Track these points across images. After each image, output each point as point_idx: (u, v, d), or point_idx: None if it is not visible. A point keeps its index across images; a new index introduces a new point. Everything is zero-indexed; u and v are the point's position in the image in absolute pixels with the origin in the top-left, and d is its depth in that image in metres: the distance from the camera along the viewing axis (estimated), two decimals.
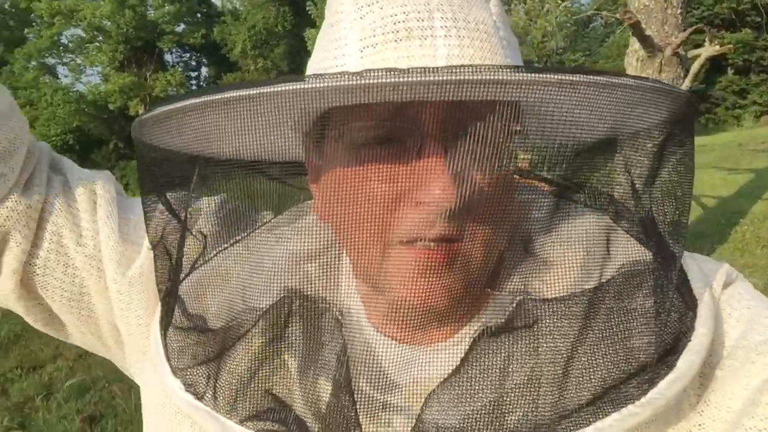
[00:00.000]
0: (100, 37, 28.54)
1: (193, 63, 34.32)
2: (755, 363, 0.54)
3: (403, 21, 0.52)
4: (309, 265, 0.63)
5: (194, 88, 32.82)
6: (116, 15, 26.70)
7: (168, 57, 32.33)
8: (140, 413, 0.75)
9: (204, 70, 34.43)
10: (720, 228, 7.15)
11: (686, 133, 0.54)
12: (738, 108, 25.80)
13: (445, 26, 0.52)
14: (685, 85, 4.55)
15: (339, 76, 0.42)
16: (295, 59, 28.73)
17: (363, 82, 0.42)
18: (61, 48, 29.45)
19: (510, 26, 0.59)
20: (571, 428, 0.50)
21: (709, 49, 4.44)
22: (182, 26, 30.68)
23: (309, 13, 15.94)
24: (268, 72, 29.25)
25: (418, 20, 0.52)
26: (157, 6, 28.77)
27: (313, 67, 0.60)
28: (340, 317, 0.59)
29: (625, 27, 4.61)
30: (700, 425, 0.54)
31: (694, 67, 4.49)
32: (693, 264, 0.61)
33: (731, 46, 5.00)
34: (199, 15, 31.71)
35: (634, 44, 4.84)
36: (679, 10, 4.66)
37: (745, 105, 25.67)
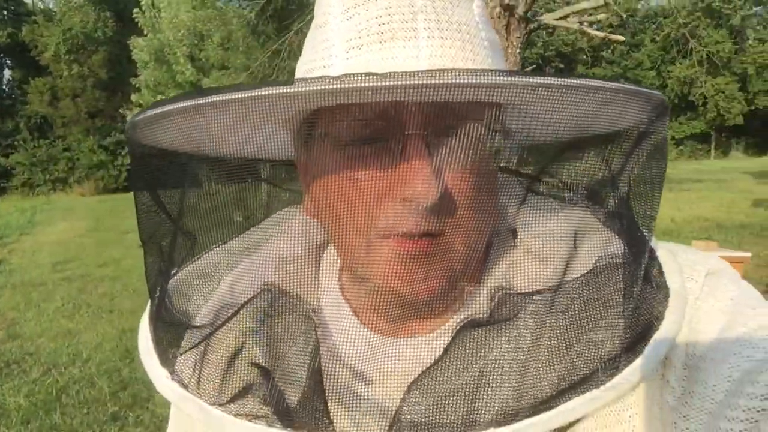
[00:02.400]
0: None
1: None
2: (737, 354, 0.53)
3: (388, 23, 0.54)
4: (290, 264, 0.67)
5: None
6: None
7: None
8: None
9: (7, 72, 31.11)
10: None
11: (660, 131, 0.55)
12: None
13: (428, 27, 0.54)
14: None
15: (321, 80, 0.44)
16: (115, 67, 27.16)
17: (343, 86, 0.44)
18: None
19: None
20: (538, 411, 0.52)
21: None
22: None
23: (135, 20, 15.05)
24: (84, 79, 27.14)
25: (402, 22, 0.54)
26: None
27: (302, 68, 0.62)
28: (314, 312, 0.63)
29: None
30: (684, 416, 0.54)
31: None
32: (669, 255, 0.61)
33: None
34: (5, 12, 28.55)
35: None
36: (518, 50, 4.93)
37: None
